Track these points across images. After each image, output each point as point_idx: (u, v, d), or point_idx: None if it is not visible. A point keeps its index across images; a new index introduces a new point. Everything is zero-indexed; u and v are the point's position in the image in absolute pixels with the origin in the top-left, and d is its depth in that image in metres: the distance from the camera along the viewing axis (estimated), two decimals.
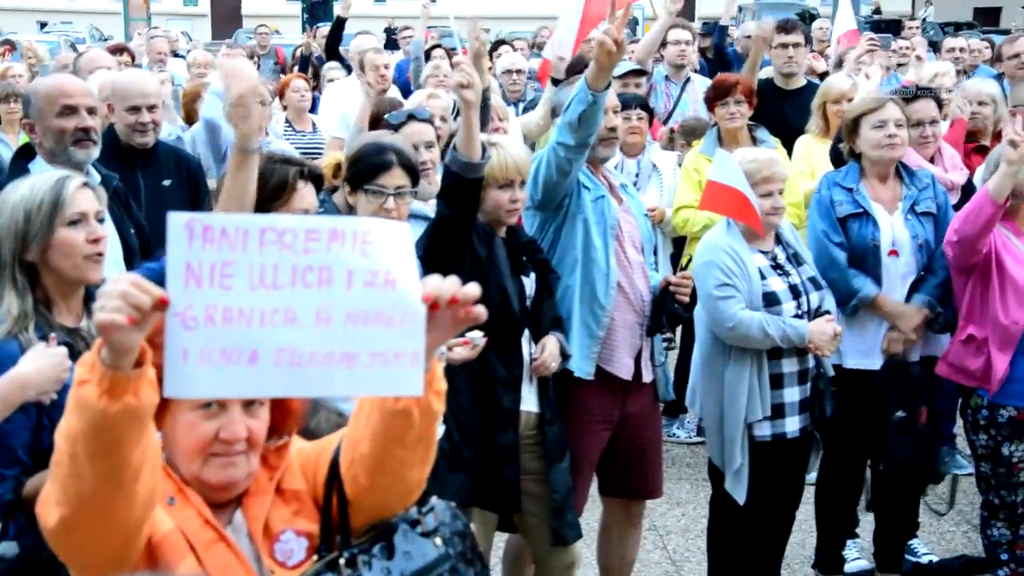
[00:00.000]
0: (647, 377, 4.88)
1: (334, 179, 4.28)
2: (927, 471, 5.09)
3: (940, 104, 6.17)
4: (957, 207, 5.30)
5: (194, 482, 2.31)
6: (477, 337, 3.59)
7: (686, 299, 4.78)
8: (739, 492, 4.78)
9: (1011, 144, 4.58)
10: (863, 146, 5.16)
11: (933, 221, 5.16)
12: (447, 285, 2.07)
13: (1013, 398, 4.86)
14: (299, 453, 2.45)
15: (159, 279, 1.94)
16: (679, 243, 6.95)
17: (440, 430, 4.19)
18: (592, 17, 7.14)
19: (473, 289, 2.11)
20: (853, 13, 10.86)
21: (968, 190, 5.62)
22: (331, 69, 10.33)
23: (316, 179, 3.72)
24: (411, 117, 4.87)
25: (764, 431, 4.79)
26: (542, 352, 4.45)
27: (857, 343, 5.07)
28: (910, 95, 5.71)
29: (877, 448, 5.00)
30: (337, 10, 11.39)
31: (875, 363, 5.10)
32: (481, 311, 2.10)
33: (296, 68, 12.78)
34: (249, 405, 2.29)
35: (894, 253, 5.09)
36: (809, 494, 5.40)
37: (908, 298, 5.10)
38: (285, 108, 8.69)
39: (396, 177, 3.98)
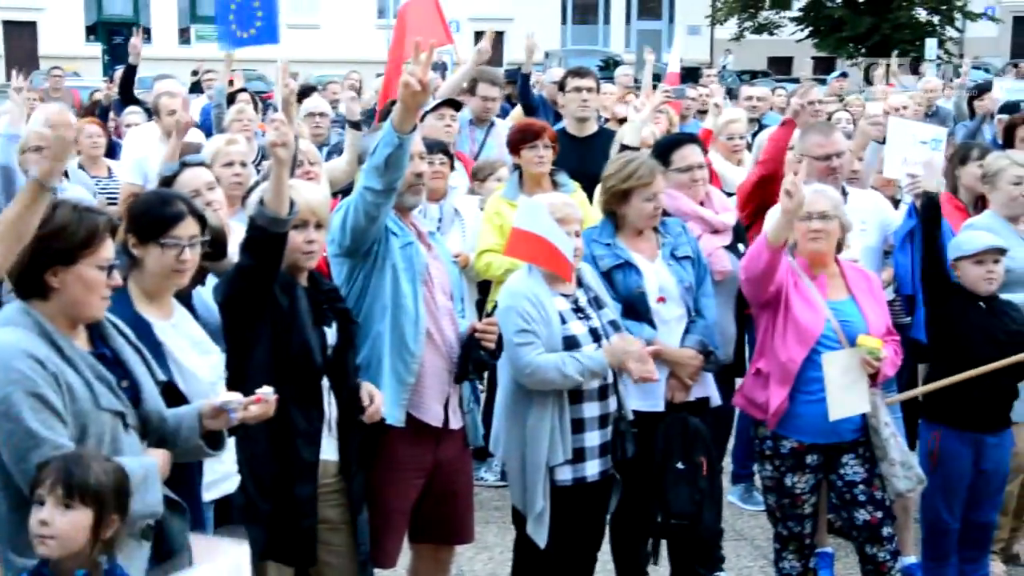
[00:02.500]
0: (455, 424, 4.88)
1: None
2: (704, 525, 5.09)
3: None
4: (730, 247, 5.49)
5: None
6: (268, 392, 3.53)
7: (491, 345, 4.80)
8: (540, 536, 4.80)
9: (786, 194, 4.76)
10: (631, 213, 5.21)
11: (692, 264, 5.29)
12: None
13: (793, 432, 5.01)
14: None
15: None
16: (484, 288, 6.98)
17: (235, 482, 4.13)
18: (400, 62, 7.15)
19: None
20: (679, 58, 11.21)
21: (738, 230, 5.80)
22: (130, 114, 10.08)
23: (114, 230, 3.63)
24: (184, 165, 4.82)
25: (565, 475, 4.82)
26: (371, 401, 4.43)
27: (639, 387, 5.08)
28: (671, 141, 5.83)
29: (657, 498, 5.05)
30: (131, 58, 11.15)
31: (657, 405, 5.16)
32: None
33: (96, 113, 12.42)
34: None
35: (662, 300, 5.18)
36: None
37: (683, 340, 5.20)
38: (79, 153, 8.42)
39: (189, 227, 3.91)
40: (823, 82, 15.48)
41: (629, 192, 5.20)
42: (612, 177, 5.27)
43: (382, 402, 4.50)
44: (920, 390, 5.57)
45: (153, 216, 3.90)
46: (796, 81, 20.60)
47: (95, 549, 3.08)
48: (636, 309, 5.15)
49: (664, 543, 5.30)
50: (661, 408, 5.18)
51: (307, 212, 4.35)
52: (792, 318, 4.96)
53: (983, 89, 12.36)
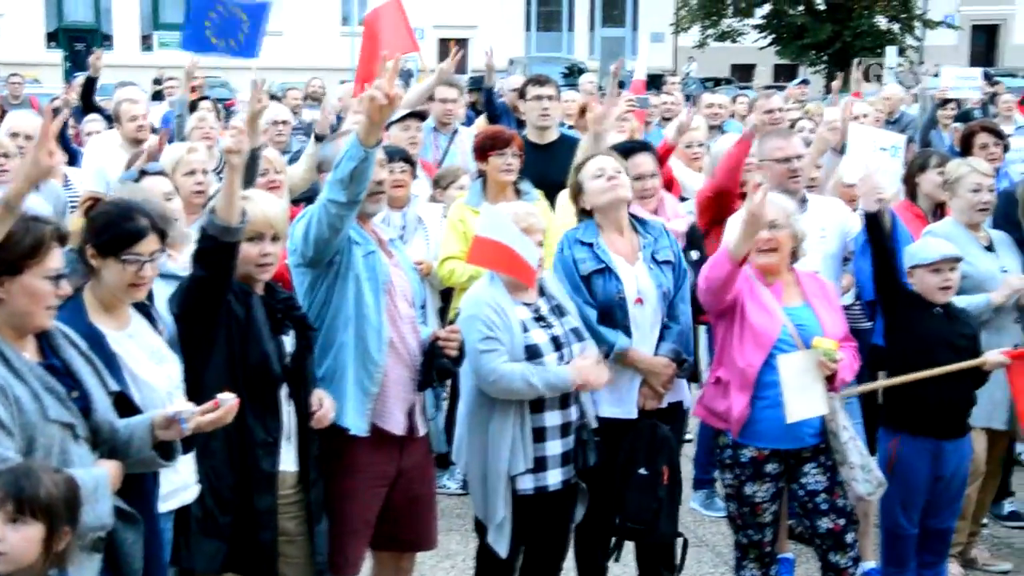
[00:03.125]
0: (421, 431, 4.87)
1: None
2: (659, 531, 5.13)
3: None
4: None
5: None
6: (228, 398, 3.51)
7: (454, 353, 4.80)
8: (501, 545, 4.80)
9: (751, 215, 4.75)
10: (590, 200, 5.25)
11: (672, 269, 5.30)
12: None
13: (753, 439, 5.02)
14: None
15: None
16: (446, 296, 6.97)
17: (194, 492, 4.10)
18: (367, 75, 7.15)
19: None
20: (645, 66, 11.23)
21: (691, 235, 5.81)
22: (90, 122, 10.01)
23: (62, 239, 3.60)
24: (143, 173, 4.80)
25: (527, 484, 4.83)
26: (320, 405, 4.40)
27: (612, 392, 5.14)
28: (625, 149, 5.83)
29: (616, 501, 5.07)
30: (90, 69, 11.09)
31: (630, 412, 5.20)
32: None
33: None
34: None
35: (639, 301, 5.19)
36: None
37: (657, 347, 5.22)
38: None
39: (151, 243, 3.88)
40: (783, 89, 15.56)
41: (579, 182, 5.25)
42: (569, 178, 5.35)
43: (332, 407, 4.47)
44: (879, 384, 5.59)
45: (114, 231, 3.85)
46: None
47: (47, 563, 3.04)
48: (613, 315, 5.17)
49: (632, 545, 5.31)
50: (634, 415, 5.19)
51: (264, 225, 4.33)
52: (748, 324, 4.97)
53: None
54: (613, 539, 5.24)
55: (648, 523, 5.06)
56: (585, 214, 5.32)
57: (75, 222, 4.21)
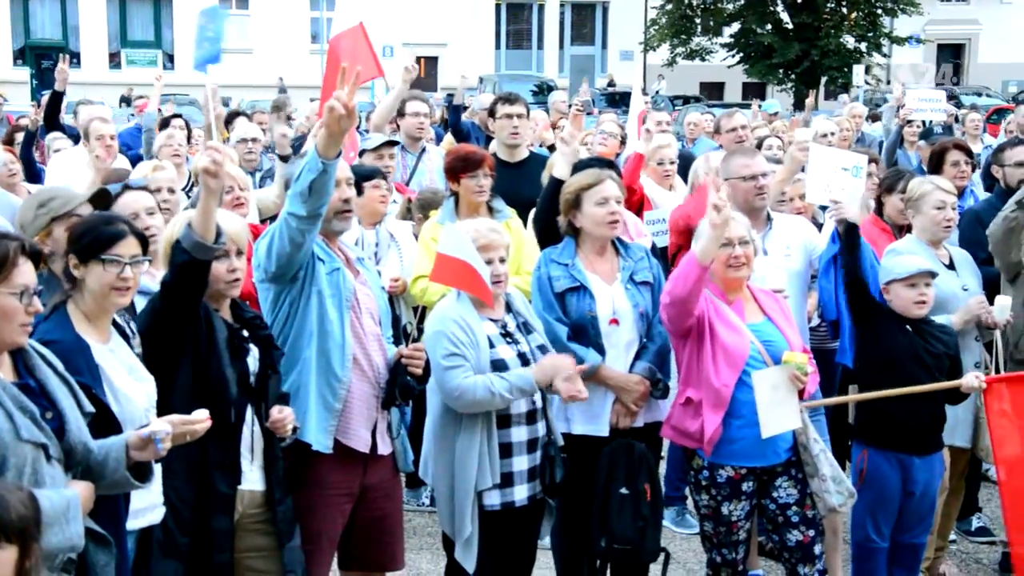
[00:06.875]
0: (384, 450, 4.86)
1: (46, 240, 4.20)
2: (645, 550, 5.15)
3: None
4: None
5: None
6: (202, 415, 3.53)
7: (418, 371, 4.80)
8: (468, 561, 4.80)
9: (715, 208, 4.81)
10: (584, 221, 5.28)
11: (651, 290, 5.33)
12: None
13: (729, 458, 5.03)
14: None
15: None
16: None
17: (160, 513, 4.08)
18: (330, 96, 7.12)
19: None
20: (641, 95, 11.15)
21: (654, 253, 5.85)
22: (55, 139, 9.95)
23: (35, 255, 3.58)
24: (126, 187, 4.82)
25: (493, 500, 4.83)
26: (280, 413, 4.39)
27: (585, 410, 5.15)
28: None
29: (599, 523, 5.08)
30: (57, 84, 11.02)
31: (602, 429, 5.21)
32: None
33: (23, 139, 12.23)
34: None
35: (615, 322, 5.22)
36: (545, 559, 5.48)
37: (632, 366, 5.24)
38: None
39: (131, 246, 3.91)
40: (748, 107, 15.72)
41: (579, 198, 5.25)
42: (564, 190, 5.36)
43: (291, 415, 4.46)
44: (848, 398, 5.64)
45: (94, 235, 3.89)
46: (728, 106, 20.90)
47: None
48: (585, 333, 5.17)
49: (608, 565, 5.32)
50: (605, 433, 5.20)
51: (227, 241, 4.33)
52: (719, 343, 4.99)
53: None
54: (598, 561, 5.25)
55: (635, 543, 5.07)
56: (571, 229, 5.32)
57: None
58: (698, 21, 42.37)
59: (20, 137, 10.49)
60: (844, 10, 40.67)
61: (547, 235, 5.63)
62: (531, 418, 4.91)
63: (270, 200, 7.10)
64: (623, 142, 8.95)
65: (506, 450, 4.85)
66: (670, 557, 5.40)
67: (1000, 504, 5.58)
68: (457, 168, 6.53)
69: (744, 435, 4.97)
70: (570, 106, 14.54)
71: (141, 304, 4.33)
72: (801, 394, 5.01)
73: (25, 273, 3.38)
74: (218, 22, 8.40)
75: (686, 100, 35.51)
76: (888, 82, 38.51)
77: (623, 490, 5.06)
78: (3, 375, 3.36)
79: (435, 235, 6.50)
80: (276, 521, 4.41)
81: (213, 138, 6.92)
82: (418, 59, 8.98)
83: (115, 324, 4.03)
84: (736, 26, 41.46)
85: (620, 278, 5.30)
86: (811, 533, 5.08)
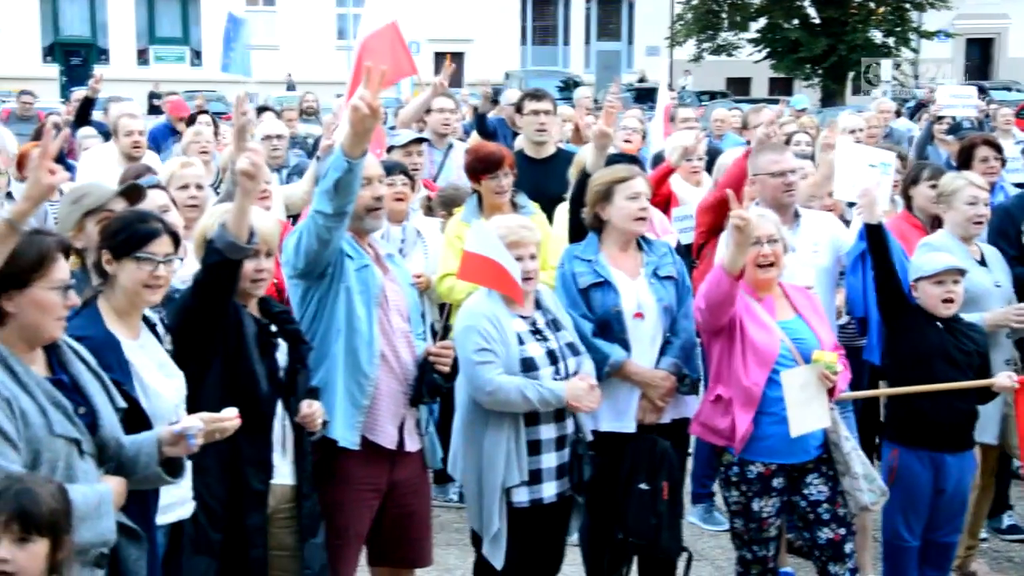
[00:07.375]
0: (411, 446, 4.87)
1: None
2: (661, 546, 5.14)
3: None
4: None
5: None
6: (232, 413, 3.55)
7: (446, 369, 4.80)
8: (496, 557, 4.81)
9: (736, 228, 4.77)
10: (614, 215, 5.25)
11: (675, 285, 5.31)
12: None
13: (760, 455, 5.01)
14: None
15: None
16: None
17: (190, 508, 4.10)
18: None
19: None
20: (667, 90, 11.12)
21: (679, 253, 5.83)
22: (86, 137, 10.01)
23: (67, 251, 3.62)
24: None
25: (522, 496, 4.83)
26: (310, 407, 4.41)
27: (611, 406, 5.14)
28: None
29: (617, 516, 5.08)
30: (89, 91, 11.17)
31: (629, 426, 5.20)
32: None
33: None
34: None
35: (639, 316, 5.20)
36: (574, 555, 5.48)
37: (657, 361, 5.23)
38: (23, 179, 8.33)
39: (164, 245, 3.94)
40: (775, 102, 15.70)
41: (611, 191, 5.23)
42: (595, 182, 5.33)
43: (319, 410, 4.47)
44: (878, 392, 5.61)
45: (129, 232, 3.92)
46: (754, 101, 20.83)
47: (50, 574, 3.05)
48: (611, 329, 5.17)
49: (635, 559, 5.31)
50: (632, 429, 5.19)
51: (259, 241, 4.34)
52: (749, 342, 4.98)
53: (921, 104, 12.52)
54: (624, 559, 5.24)
55: (649, 538, 5.07)
56: (597, 222, 5.31)
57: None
58: (724, 16, 42.18)
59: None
60: (872, 4, 40.42)
61: (582, 227, 5.61)
62: (560, 416, 4.90)
63: (297, 196, 7.11)
64: (644, 137, 8.94)
65: (534, 447, 4.85)
66: (692, 557, 5.38)
67: None
68: (477, 169, 6.52)
69: (774, 432, 4.96)
70: (595, 102, 14.56)
71: None
72: (831, 393, 4.99)
73: (62, 268, 3.43)
74: (241, 32, 8.47)
75: (712, 96, 35.41)
76: (916, 77, 38.27)
77: (643, 485, 5.06)
78: (36, 370, 3.39)
79: (459, 233, 6.48)
80: (300, 516, 4.43)
81: (239, 144, 6.94)
82: (450, 56, 8.96)
83: (145, 320, 4.06)
84: (763, 21, 41.23)
85: (644, 272, 5.28)
86: (842, 531, 5.06)
